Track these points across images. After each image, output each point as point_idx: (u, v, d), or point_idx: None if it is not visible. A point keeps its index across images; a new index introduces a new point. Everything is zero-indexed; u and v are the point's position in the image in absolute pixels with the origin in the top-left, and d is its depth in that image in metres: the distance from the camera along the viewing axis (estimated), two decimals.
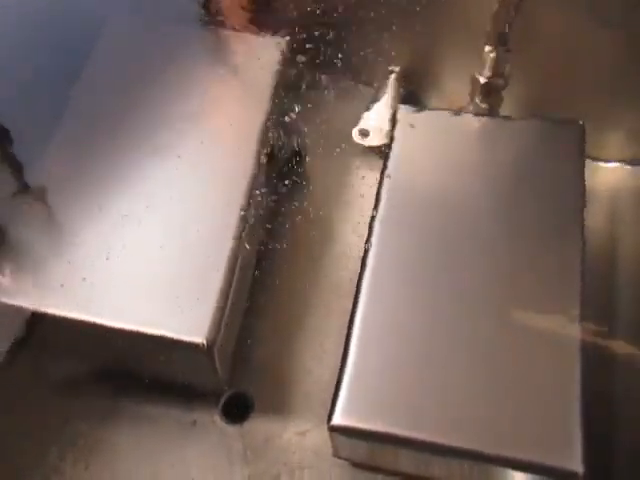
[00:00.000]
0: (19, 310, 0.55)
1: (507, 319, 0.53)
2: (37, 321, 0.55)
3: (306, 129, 0.71)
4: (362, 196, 0.70)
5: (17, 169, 0.62)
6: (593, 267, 0.57)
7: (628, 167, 0.70)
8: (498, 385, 0.50)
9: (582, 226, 0.56)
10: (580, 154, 0.59)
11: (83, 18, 0.69)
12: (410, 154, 0.61)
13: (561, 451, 0.48)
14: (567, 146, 0.60)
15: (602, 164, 0.70)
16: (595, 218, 0.65)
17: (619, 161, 0.70)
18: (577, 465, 0.47)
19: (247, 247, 0.59)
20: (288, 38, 0.67)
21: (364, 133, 0.72)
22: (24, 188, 0.60)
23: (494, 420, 0.49)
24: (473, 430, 0.49)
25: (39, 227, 0.59)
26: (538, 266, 0.55)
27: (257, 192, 0.61)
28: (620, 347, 0.60)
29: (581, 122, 0.60)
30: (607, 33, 0.63)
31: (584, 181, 0.58)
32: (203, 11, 0.69)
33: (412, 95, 0.74)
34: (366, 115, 0.72)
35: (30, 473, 0.59)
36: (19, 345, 0.59)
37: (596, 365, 0.53)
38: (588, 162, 0.60)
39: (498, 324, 0.53)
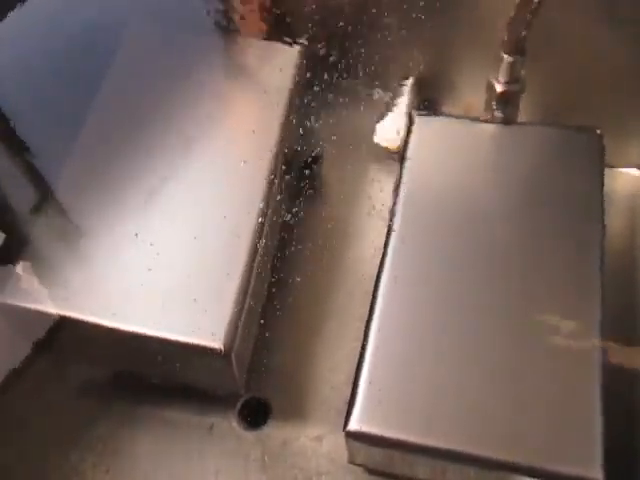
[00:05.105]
0: (40, 314, 0.55)
1: (526, 328, 0.53)
2: (58, 325, 0.56)
3: (323, 134, 0.71)
4: (378, 201, 0.70)
5: (36, 177, 0.63)
6: (613, 274, 0.57)
7: None
8: (516, 393, 0.50)
9: (602, 235, 0.56)
10: (598, 163, 0.59)
11: (102, 25, 0.69)
12: (426, 161, 0.61)
13: (581, 458, 0.48)
14: (585, 155, 0.60)
15: (621, 170, 0.70)
16: (614, 224, 0.65)
17: (638, 167, 0.70)
18: (597, 472, 0.47)
19: (264, 253, 0.59)
20: (305, 44, 0.67)
21: (380, 139, 0.72)
22: (44, 196, 0.61)
23: (512, 428, 0.49)
24: (490, 438, 0.49)
25: (59, 233, 0.59)
26: (557, 274, 0.55)
27: (274, 197, 0.61)
28: None
29: (599, 131, 0.60)
30: (624, 38, 0.63)
31: (602, 190, 0.58)
32: (221, 18, 0.70)
33: (428, 102, 0.74)
34: (382, 121, 0.73)
35: (50, 475, 0.59)
36: (40, 349, 0.59)
37: (617, 373, 0.52)
38: (607, 168, 0.59)
39: (517, 333, 0.53)
